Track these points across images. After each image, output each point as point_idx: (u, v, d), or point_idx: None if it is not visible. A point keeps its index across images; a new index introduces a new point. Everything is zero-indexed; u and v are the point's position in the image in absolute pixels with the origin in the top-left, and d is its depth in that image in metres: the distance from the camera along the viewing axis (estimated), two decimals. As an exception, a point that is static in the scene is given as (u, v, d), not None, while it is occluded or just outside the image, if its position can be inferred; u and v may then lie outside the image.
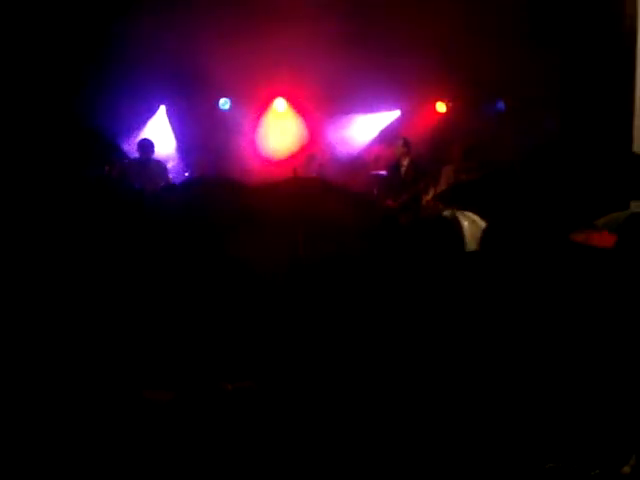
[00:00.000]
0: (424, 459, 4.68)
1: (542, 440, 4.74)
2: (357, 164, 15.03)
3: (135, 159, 13.08)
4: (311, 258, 6.93)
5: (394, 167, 13.08)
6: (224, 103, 15.71)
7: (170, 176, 13.30)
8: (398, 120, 15.87)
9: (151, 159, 13.07)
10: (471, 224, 8.93)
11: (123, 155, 12.90)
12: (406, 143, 13.13)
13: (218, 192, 7.88)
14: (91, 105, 13.14)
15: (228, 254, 6.44)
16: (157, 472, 4.53)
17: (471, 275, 5.76)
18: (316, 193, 7.64)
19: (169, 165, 13.92)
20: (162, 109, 15.58)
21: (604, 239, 7.00)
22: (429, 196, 12.59)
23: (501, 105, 15.29)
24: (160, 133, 15.27)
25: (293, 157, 14.96)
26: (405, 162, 12.99)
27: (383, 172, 13.72)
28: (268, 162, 15.08)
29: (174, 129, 15.41)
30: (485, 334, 5.19)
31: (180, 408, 4.90)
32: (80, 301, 5.76)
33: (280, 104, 15.79)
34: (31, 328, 5.46)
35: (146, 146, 13.13)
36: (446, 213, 10.43)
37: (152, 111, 15.54)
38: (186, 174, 14.08)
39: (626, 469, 4.55)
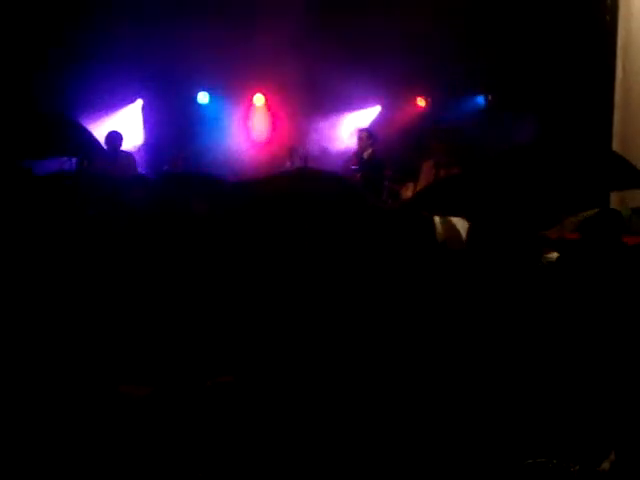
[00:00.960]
0: (410, 462, 4.67)
1: (522, 436, 4.73)
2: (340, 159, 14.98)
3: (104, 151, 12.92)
4: (299, 251, 6.93)
5: (354, 158, 13.02)
6: (203, 97, 15.65)
7: (139, 169, 13.17)
8: (379, 115, 15.84)
9: (119, 151, 12.92)
10: (442, 219, 8.96)
11: (101, 149, 12.79)
12: (369, 135, 13.09)
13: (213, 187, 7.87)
14: (63, 93, 13.12)
15: (207, 248, 6.41)
16: (134, 468, 4.50)
17: (457, 273, 5.76)
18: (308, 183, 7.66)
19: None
20: (139, 102, 15.48)
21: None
22: (409, 192, 12.58)
23: (481, 100, 15.30)
24: (132, 126, 15.18)
25: (272, 151, 14.95)
26: (366, 155, 12.96)
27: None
28: (248, 155, 15.09)
29: (151, 122, 15.28)
30: (469, 332, 5.19)
31: (157, 404, 4.86)
32: (53, 294, 5.71)
33: (259, 99, 15.75)
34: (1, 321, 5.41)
35: (114, 138, 12.98)
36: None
37: (128, 103, 15.46)
38: (165, 168, 13.98)
39: (605, 465, 4.54)
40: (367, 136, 13.08)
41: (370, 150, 13.00)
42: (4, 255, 6.08)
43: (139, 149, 14.84)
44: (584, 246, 6.11)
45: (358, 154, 13.02)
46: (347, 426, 4.77)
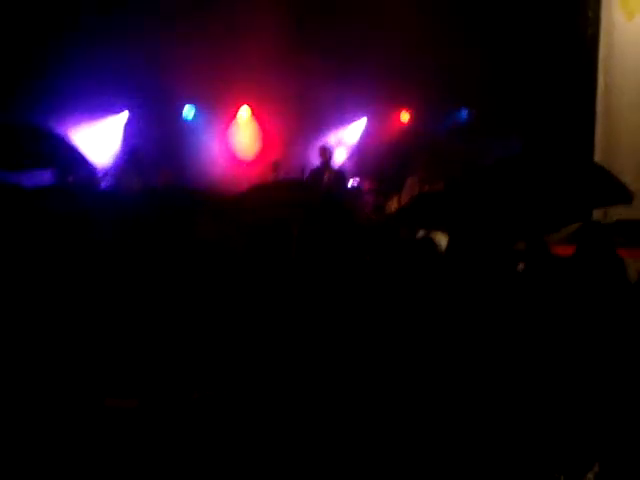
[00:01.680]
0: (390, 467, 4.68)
1: (509, 447, 4.75)
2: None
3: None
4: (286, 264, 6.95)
5: (317, 173, 13.05)
6: (189, 110, 15.66)
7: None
8: (363, 129, 15.89)
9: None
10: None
11: (88, 164, 12.76)
12: (327, 150, 13.17)
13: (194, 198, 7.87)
14: (45, 100, 13.13)
15: (199, 259, 6.40)
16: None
17: (440, 286, 5.78)
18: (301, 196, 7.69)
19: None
20: (124, 114, 15.48)
21: (566, 248, 7.07)
22: (393, 205, 12.62)
23: (464, 114, 15.35)
24: (112, 137, 15.20)
25: (257, 164, 14.98)
26: (328, 169, 13.01)
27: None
28: (234, 168, 15.10)
29: (136, 134, 15.22)
30: (453, 342, 5.21)
31: (144, 416, 4.85)
32: (41, 305, 5.69)
33: (244, 112, 15.78)
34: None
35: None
36: (421, 233, 10.47)
37: (112, 114, 15.48)
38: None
39: (590, 476, 4.56)
40: (324, 151, 13.14)
41: (329, 165, 13.07)
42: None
43: (117, 160, 14.75)
44: (580, 259, 6.13)
45: (320, 169, 13.06)
46: (335, 441, 4.78)
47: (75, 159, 9.70)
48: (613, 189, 6.79)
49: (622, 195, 6.92)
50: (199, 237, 6.39)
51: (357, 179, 13.78)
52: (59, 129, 11.78)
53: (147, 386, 5.14)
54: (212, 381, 5.29)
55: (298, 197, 7.80)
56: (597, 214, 8.91)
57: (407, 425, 4.86)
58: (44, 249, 6.18)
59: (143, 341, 5.52)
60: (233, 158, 15.54)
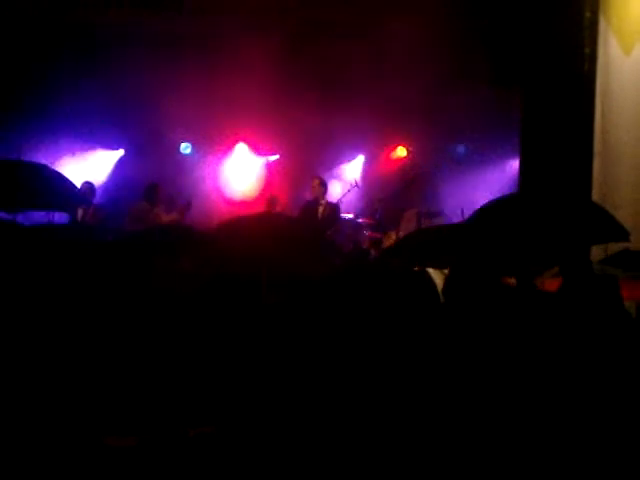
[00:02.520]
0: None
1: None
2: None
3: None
4: (274, 303, 6.91)
5: (311, 206, 13.03)
6: (185, 147, 15.70)
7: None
8: (362, 164, 15.93)
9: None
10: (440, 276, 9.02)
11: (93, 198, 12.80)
12: (322, 183, 13.14)
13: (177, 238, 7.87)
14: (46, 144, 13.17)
15: (188, 300, 6.40)
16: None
17: (437, 325, 5.76)
18: (277, 233, 7.64)
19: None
20: (119, 152, 15.52)
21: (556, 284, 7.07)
22: (390, 240, 12.62)
23: (461, 149, 15.41)
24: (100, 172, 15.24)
25: (255, 200, 15.00)
26: (323, 202, 12.99)
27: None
28: (231, 205, 15.10)
29: (132, 172, 15.23)
30: (451, 377, 5.18)
31: (144, 454, 4.81)
32: (38, 343, 5.67)
33: (241, 149, 15.83)
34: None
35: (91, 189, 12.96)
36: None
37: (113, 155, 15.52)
38: None
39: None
40: (319, 183, 13.12)
41: (325, 198, 13.05)
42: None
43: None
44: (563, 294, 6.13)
45: (312, 202, 13.04)
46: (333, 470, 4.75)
47: (74, 196, 9.71)
48: (609, 227, 6.80)
49: (618, 232, 6.93)
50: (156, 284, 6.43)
51: (353, 214, 13.81)
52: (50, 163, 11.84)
53: (146, 424, 5.12)
54: (208, 418, 5.27)
55: (267, 228, 7.75)
56: (597, 250, 8.90)
57: (406, 434, 4.84)
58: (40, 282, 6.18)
59: (140, 380, 5.50)
60: (229, 194, 15.56)
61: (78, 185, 11.02)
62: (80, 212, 12.05)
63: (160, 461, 4.80)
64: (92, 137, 14.73)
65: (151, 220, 12.41)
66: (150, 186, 13.12)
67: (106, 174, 15.32)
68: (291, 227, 8.54)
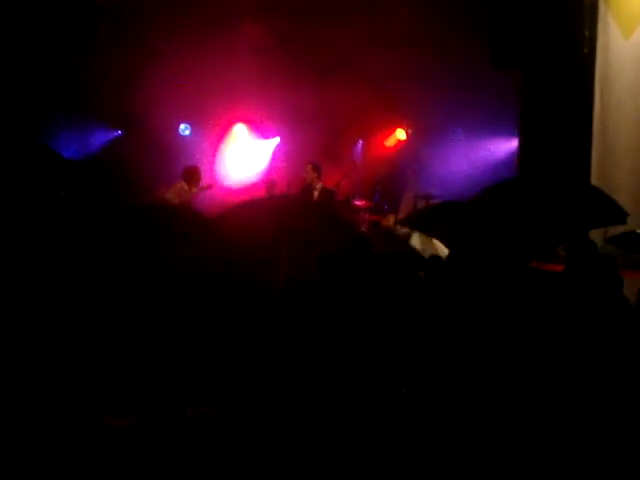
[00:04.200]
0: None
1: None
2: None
3: None
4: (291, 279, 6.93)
5: (305, 191, 13.02)
6: (184, 129, 15.68)
7: None
8: (360, 146, 15.92)
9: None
10: (420, 237, 9.17)
11: (79, 177, 12.70)
12: (315, 168, 13.11)
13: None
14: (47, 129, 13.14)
15: (194, 276, 6.40)
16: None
17: (439, 297, 5.78)
18: (296, 211, 7.67)
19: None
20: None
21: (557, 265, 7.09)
22: (389, 221, 12.63)
23: (460, 132, 15.38)
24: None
25: (254, 184, 14.98)
26: (317, 186, 12.97)
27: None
28: (230, 186, 15.11)
29: (131, 153, 15.21)
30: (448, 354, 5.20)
31: (141, 435, 4.82)
32: (37, 322, 5.67)
33: (240, 130, 15.81)
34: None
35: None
36: (404, 231, 10.55)
37: (109, 136, 15.50)
38: None
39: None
40: (312, 168, 13.08)
41: (319, 182, 13.03)
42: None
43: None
44: (569, 274, 6.14)
45: (307, 187, 13.03)
46: (331, 456, 4.76)
47: (65, 171, 9.67)
48: (607, 209, 6.81)
49: (616, 215, 6.94)
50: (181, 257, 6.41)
51: (351, 196, 13.79)
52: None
53: (144, 405, 5.12)
54: (206, 398, 5.27)
55: (283, 206, 7.76)
56: (597, 233, 8.91)
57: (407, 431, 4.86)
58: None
59: (138, 359, 5.50)
60: (228, 177, 15.55)
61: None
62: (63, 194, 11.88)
63: (158, 442, 4.81)
64: (90, 115, 14.70)
65: (185, 200, 12.38)
66: (189, 168, 13.05)
67: (101, 152, 15.34)
68: (306, 205, 8.56)
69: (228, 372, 5.49)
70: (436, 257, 7.79)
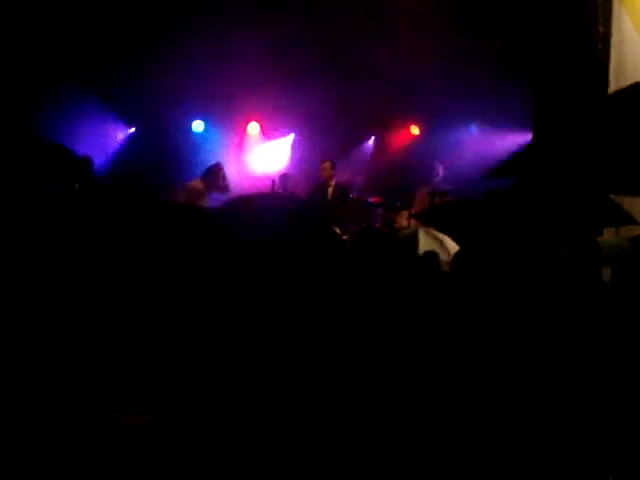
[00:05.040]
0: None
1: (520, 459, 4.73)
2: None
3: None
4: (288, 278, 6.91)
5: (319, 188, 13.04)
6: (197, 126, 15.69)
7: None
8: (374, 143, 15.92)
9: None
10: (426, 239, 9.16)
11: (93, 172, 12.66)
12: (332, 166, 13.14)
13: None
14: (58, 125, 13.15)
15: (202, 275, 6.40)
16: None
17: (444, 295, 5.78)
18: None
19: None
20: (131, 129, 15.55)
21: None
22: (403, 219, 12.63)
23: (473, 129, 15.37)
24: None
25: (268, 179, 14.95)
26: (332, 183, 13.00)
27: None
28: (244, 183, 15.10)
29: (145, 149, 15.21)
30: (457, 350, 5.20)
31: (156, 431, 4.83)
32: (49, 318, 5.68)
33: (253, 128, 15.82)
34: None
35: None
36: (407, 231, 10.55)
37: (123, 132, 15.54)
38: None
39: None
40: (330, 166, 13.11)
41: (334, 180, 13.05)
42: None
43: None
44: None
45: (322, 184, 13.05)
46: (347, 454, 4.76)
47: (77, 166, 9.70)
48: (614, 213, 6.80)
49: (623, 218, 6.95)
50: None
51: (364, 193, 13.79)
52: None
53: (159, 401, 5.12)
54: (222, 395, 5.27)
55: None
56: (608, 233, 8.91)
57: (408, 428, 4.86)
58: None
59: (154, 355, 5.51)
60: (242, 172, 15.54)
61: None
62: (77, 187, 11.75)
63: (172, 438, 4.82)
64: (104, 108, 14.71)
65: (196, 200, 11.76)
66: (209, 167, 12.73)
67: (114, 148, 15.35)
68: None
69: (244, 368, 5.49)
70: (431, 254, 7.76)
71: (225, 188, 12.44)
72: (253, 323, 5.85)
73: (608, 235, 8.84)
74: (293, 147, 15.83)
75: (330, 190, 12.93)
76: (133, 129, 15.51)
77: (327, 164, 13.11)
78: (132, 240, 6.56)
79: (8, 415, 4.79)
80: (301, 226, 7.08)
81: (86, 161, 12.37)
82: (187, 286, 6.10)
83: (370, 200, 13.38)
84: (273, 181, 13.39)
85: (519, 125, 13.52)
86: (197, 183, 12.33)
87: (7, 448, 4.58)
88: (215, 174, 12.42)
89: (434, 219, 7.94)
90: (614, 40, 10.87)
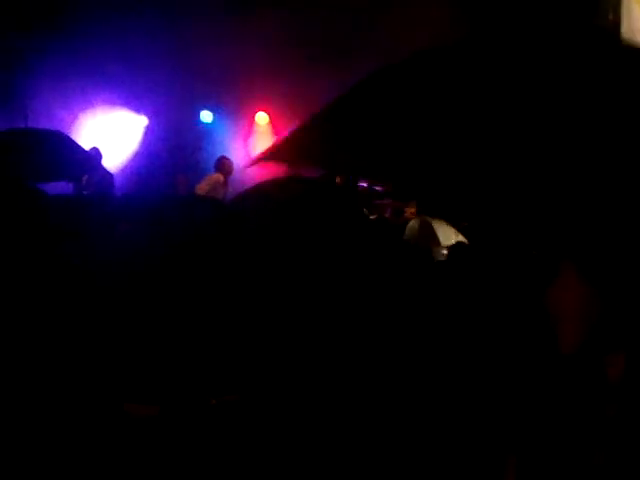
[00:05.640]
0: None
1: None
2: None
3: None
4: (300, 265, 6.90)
5: (327, 177, 13.01)
6: (207, 115, 15.69)
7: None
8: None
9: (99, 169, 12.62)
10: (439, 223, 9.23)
11: (100, 164, 12.71)
12: None
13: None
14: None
15: (213, 265, 6.39)
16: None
17: (439, 284, 5.77)
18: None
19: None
20: (143, 120, 15.53)
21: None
22: (412, 209, 12.60)
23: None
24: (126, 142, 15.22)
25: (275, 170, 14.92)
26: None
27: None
28: (253, 173, 15.08)
29: (153, 139, 15.24)
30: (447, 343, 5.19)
31: (165, 423, 4.83)
32: (60, 311, 5.69)
33: (262, 118, 15.82)
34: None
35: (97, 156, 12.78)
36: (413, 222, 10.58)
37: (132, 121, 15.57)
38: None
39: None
40: None
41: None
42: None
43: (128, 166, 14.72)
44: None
45: (330, 173, 13.03)
46: (354, 446, 4.75)
47: (88, 164, 9.70)
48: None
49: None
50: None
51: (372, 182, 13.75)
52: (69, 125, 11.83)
53: (169, 392, 5.13)
54: (232, 386, 5.27)
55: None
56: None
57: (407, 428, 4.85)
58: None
59: (162, 345, 5.51)
60: (249, 164, 15.50)
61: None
62: (85, 178, 11.78)
63: (182, 430, 4.82)
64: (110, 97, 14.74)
65: (218, 194, 12.15)
66: (223, 159, 12.99)
67: (125, 138, 15.36)
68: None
69: (254, 359, 5.49)
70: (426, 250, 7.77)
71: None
72: (268, 314, 5.85)
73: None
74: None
75: (337, 179, 12.92)
76: (146, 120, 15.51)
77: None
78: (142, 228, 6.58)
79: (15, 407, 4.79)
80: (332, 211, 7.11)
81: (95, 153, 12.46)
82: (204, 276, 6.11)
83: (378, 189, 13.36)
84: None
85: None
86: (218, 176, 12.67)
87: (15, 440, 4.59)
88: (229, 165, 12.83)
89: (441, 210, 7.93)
90: (624, 29, 10.85)
